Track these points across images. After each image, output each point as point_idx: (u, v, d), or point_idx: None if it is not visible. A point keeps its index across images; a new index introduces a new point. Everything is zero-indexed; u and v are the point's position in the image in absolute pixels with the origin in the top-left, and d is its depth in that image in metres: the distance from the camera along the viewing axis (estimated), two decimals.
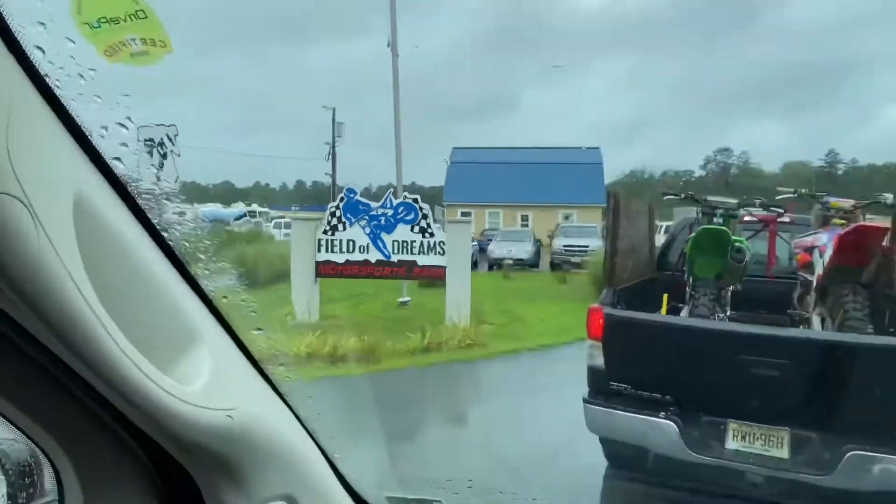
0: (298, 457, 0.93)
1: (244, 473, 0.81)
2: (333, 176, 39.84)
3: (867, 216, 5.01)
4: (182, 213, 0.84)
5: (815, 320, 4.68)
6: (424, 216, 10.95)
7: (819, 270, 4.61)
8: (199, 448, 0.75)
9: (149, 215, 0.72)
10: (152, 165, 9.04)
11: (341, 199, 11.08)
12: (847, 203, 4.79)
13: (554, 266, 22.66)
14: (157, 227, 0.74)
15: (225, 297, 0.86)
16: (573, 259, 21.56)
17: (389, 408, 6.16)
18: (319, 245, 11.01)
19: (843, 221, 4.67)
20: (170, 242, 0.75)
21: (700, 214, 5.18)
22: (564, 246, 23.14)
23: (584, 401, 4.17)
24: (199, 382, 0.73)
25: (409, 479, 3.84)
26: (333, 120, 40.83)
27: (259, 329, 0.99)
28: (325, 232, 11.00)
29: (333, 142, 40.53)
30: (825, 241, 4.59)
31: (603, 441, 4.37)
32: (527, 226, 36.96)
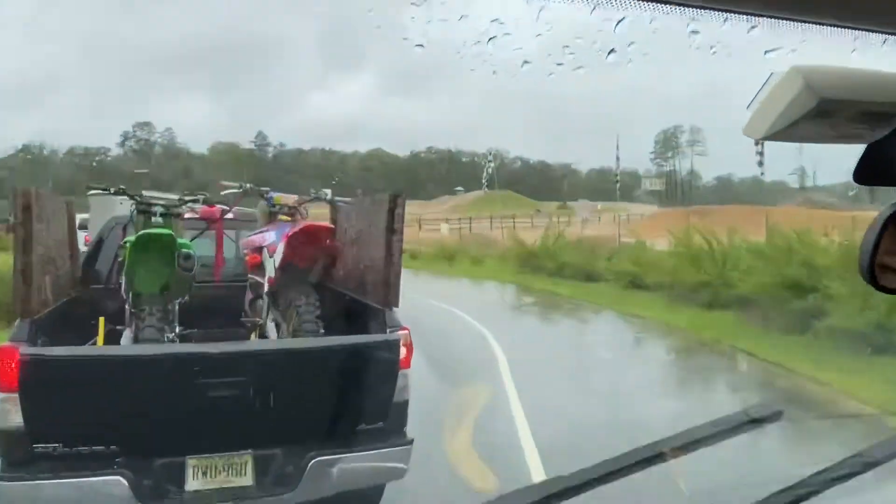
0: None
1: None
2: None
3: (309, 211, 5.39)
4: None
5: (271, 327, 4.87)
6: None
7: (270, 272, 4.59)
8: None
9: None
10: None
11: None
12: (291, 199, 5.25)
13: None
14: None
15: None
16: None
17: None
18: None
19: (289, 217, 5.39)
20: None
21: (135, 212, 4.86)
22: None
23: None
24: None
25: None
26: None
27: None
28: None
29: None
30: (274, 239, 4.98)
31: None
32: None
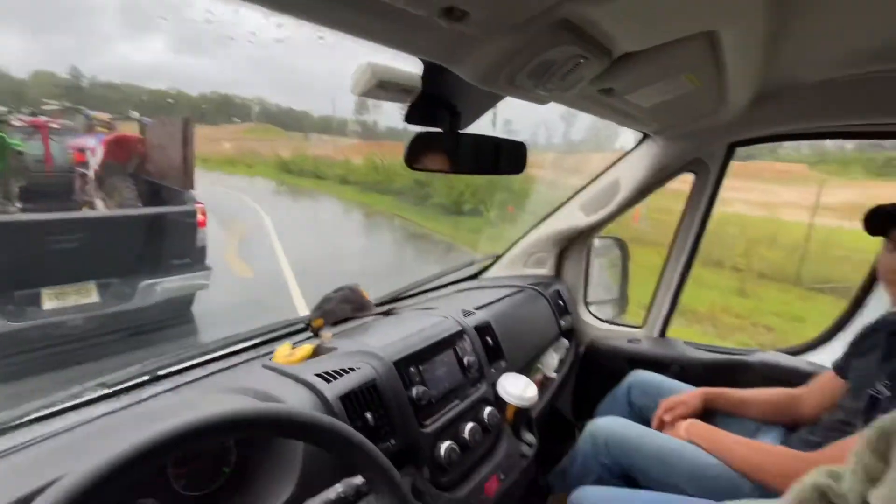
0: None
1: None
2: None
3: (121, 125, 4.89)
4: None
5: (99, 203, 4.50)
6: None
7: (94, 166, 4.32)
8: None
9: None
10: None
11: None
12: (105, 116, 4.49)
13: None
14: None
15: None
16: None
17: None
18: None
19: (105, 129, 4.30)
20: None
21: None
22: None
23: None
24: None
25: None
26: None
27: None
28: None
29: None
30: (94, 143, 4.22)
31: None
32: None
